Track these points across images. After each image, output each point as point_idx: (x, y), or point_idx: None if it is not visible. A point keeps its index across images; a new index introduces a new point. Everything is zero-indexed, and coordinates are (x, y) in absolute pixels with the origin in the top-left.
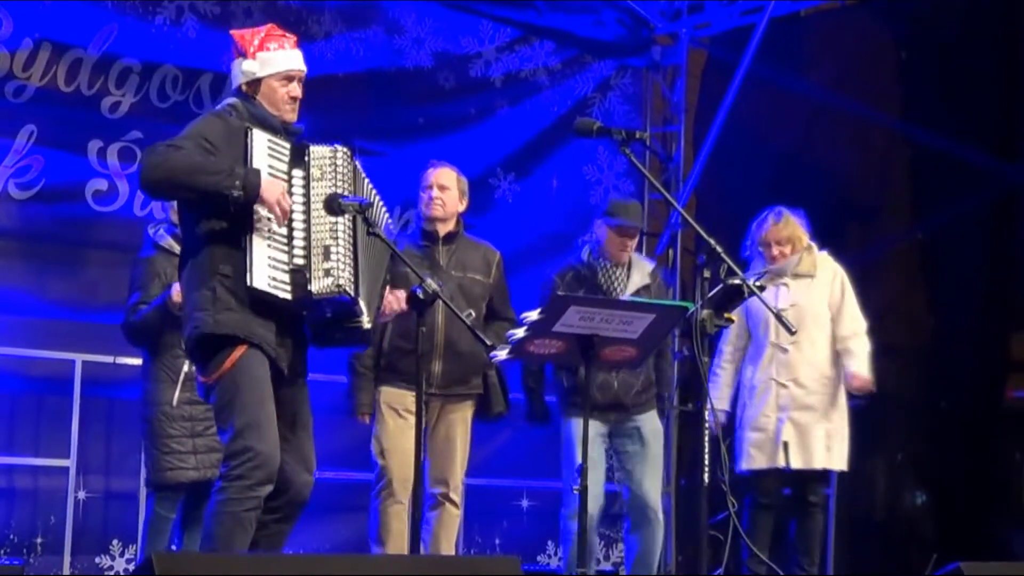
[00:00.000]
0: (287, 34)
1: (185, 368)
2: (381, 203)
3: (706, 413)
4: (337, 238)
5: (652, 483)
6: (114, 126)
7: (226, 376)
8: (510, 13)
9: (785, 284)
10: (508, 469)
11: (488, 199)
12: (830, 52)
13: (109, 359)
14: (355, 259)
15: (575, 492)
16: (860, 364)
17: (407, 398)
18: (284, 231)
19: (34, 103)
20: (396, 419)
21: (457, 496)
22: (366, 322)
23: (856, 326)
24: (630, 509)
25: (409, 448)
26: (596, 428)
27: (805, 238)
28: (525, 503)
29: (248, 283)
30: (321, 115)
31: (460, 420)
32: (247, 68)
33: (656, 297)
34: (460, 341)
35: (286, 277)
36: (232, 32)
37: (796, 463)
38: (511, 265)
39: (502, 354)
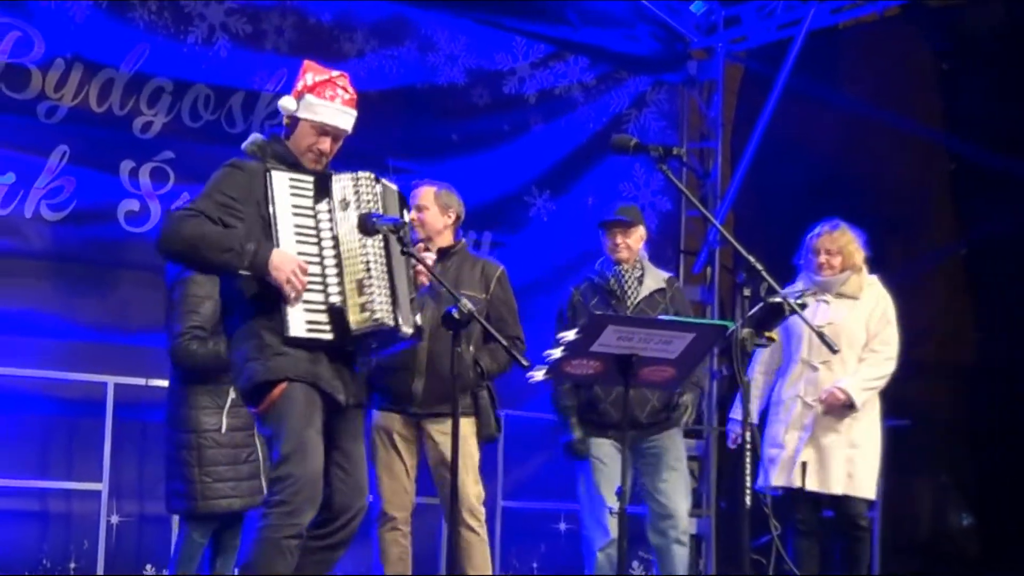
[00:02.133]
0: (349, 89)
1: (232, 394)
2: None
3: (746, 433)
4: (369, 269)
5: (678, 501)
6: (146, 146)
7: (273, 405)
8: (544, 29)
9: (826, 301)
10: (545, 491)
11: (523, 217)
12: (869, 65)
13: (141, 381)
14: (391, 283)
15: (612, 516)
16: (855, 383)
17: (395, 421)
18: (317, 270)
19: (66, 123)
20: (386, 446)
21: (473, 518)
22: (407, 332)
23: (884, 350)
24: (653, 531)
25: (401, 473)
26: (612, 447)
27: (858, 257)
28: (563, 526)
29: (286, 333)
30: (353, 133)
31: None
32: (286, 104)
33: (672, 304)
34: (444, 358)
35: (323, 317)
36: (305, 61)
37: (812, 485)
38: (545, 284)
39: (539, 374)
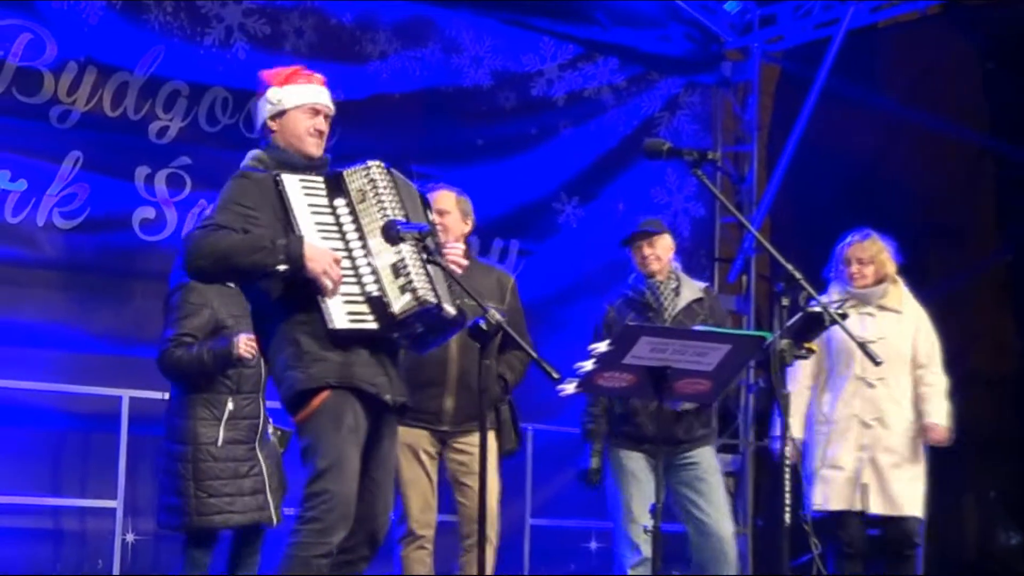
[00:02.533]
0: (316, 74)
1: (230, 405)
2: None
3: (787, 448)
4: (401, 252)
5: (721, 516)
6: (162, 151)
7: (312, 416)
8: (572, 29)
9: (870, 314)
10: (574, 509)
11: (551, 224)
12: (910, 65)
13: (157, 395)
14: (425, 267)
15: (647, 534)
16: (940, 414)
17: (422, 438)
18: (348, 263)
19: (80, 128)
20: (412, 462)
21: (493, 533)
22: (451, 311)
23: (939, 373)
24: (696, 549)
25: (427, 490)
26: (646, 462)
27: (890, 266)
28: (593, 545)
29: (330, 326)
30: (375, 136)
31: (475, 454)
32: (272, 96)
33: (711, 315)
34: (474, 374)
35: (364, 307)
36: (261, 72)
37: (876, 508)
38: (574, 293)
39: (570, 387)
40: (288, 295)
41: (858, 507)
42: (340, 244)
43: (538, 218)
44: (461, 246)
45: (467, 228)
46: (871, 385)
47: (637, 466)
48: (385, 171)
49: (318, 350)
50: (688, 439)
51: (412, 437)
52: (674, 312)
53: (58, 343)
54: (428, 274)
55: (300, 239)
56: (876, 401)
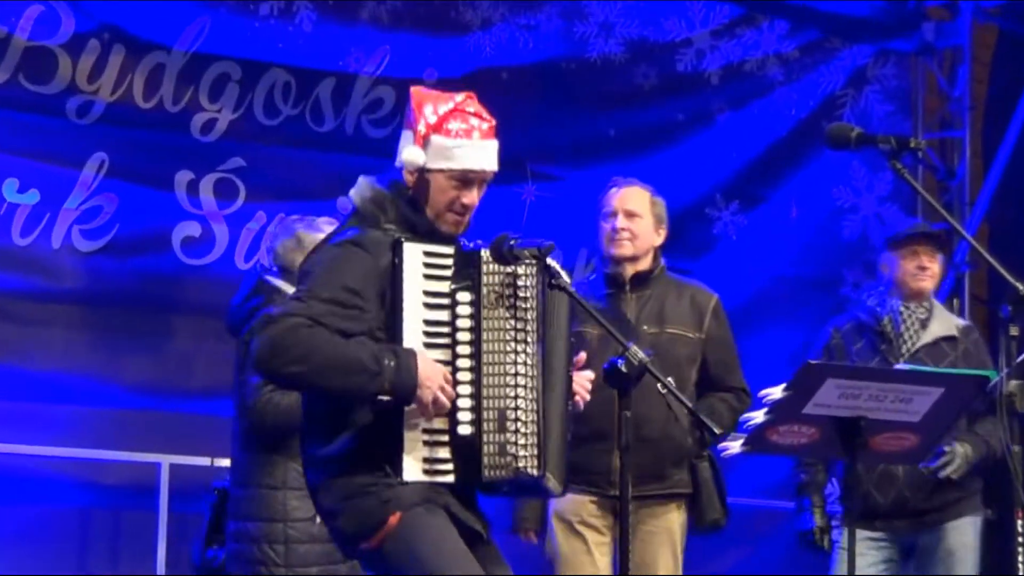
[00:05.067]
0: (484, 114)
1: None
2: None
3: (1018, 520)
4: (517, 395)
5: None
6: (208, 152)
7: (392, 532)
8: None
9: None
10: None
11: (704, 236)
12: None
13: (205, 461)
14: (542, 411)
15: None
16: None
17: (585, 506)
18: None
19: (104, 124)
20: (570, 536)
21: None
22: (556, 489)
23: None
24: None
25: (587, 568)
26: (876, 545)
27: None
28: None
29: (399, 478)
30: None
31: (663, 531)
32: (412, 158)
33: (965, 360)
34: (651, 423)
35: (446, 453)
36: (412, 89)
37: None
38: (736, 321)
39: (735, 446)
40: (365, 411)
41: None
42: (446, 355)
43: (688, 228)
44: (590, 375)
45: (659, 239)
46: None
47: (862, 549)
48: (535, 272)
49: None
50: (933, 508)
51: (571, 504)
52: (914, 347)
53: (81, 397)
54: (545, 421)
55: (412, 359)
56: None
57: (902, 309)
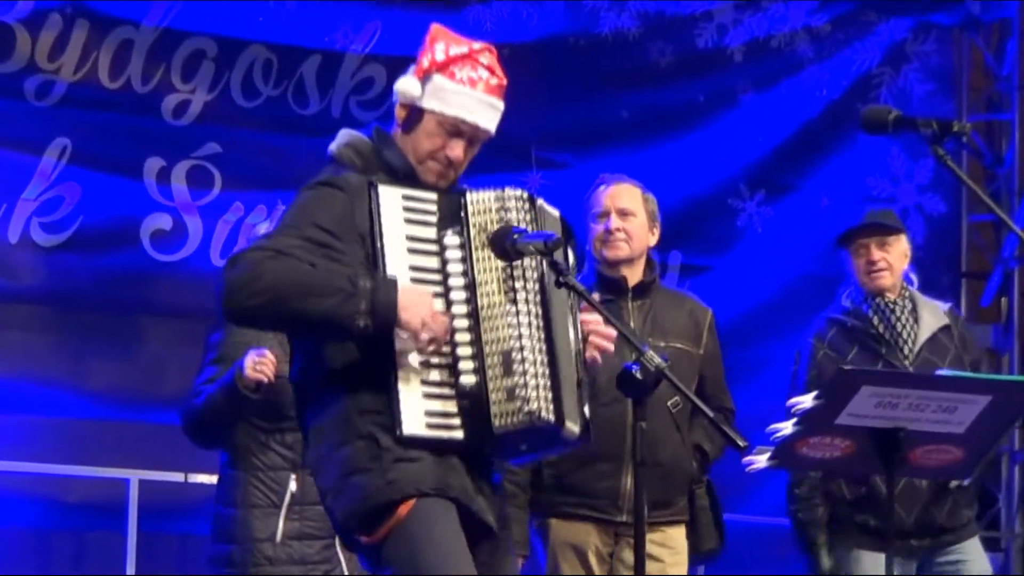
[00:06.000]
0: (497, 70)
1: (292, 487)
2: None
3: None
4: (521, 335)
5: None
6: (181, 137)
7: (398, 529)
8: None
9: None
10: None
11: (727, 229)
12: None
13: (178, 477)
14: (551, 354)
15: None
16: None
17: (591, 534)
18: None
19: (66, 106)
20: (576, 567)
21: None
22: (573, 431)
23: None
24: None
25: None
26: (896, 568)
27: None
28: None
29: (398, 432)
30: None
31: (667, 555)
32: (407, 88)
33: (965, 349)
34: (661, 444)
35: (452, 407)
36: (433, 27)
37: None
38: (762, 325)
39: (761, 459)
40: (354, 365)
41: None
42: (439, 303)
43: (708, 221)
44: (612, 333)
45: (653, 240)
46: None
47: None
48: (528, 203)
49: (397, 448)
50: (952, 527)
51: (577, 533)
52: (916, 347)
53: (41, 406)
54: (554, 364)
55: (392, 283)
56: None
57: (886, 304)
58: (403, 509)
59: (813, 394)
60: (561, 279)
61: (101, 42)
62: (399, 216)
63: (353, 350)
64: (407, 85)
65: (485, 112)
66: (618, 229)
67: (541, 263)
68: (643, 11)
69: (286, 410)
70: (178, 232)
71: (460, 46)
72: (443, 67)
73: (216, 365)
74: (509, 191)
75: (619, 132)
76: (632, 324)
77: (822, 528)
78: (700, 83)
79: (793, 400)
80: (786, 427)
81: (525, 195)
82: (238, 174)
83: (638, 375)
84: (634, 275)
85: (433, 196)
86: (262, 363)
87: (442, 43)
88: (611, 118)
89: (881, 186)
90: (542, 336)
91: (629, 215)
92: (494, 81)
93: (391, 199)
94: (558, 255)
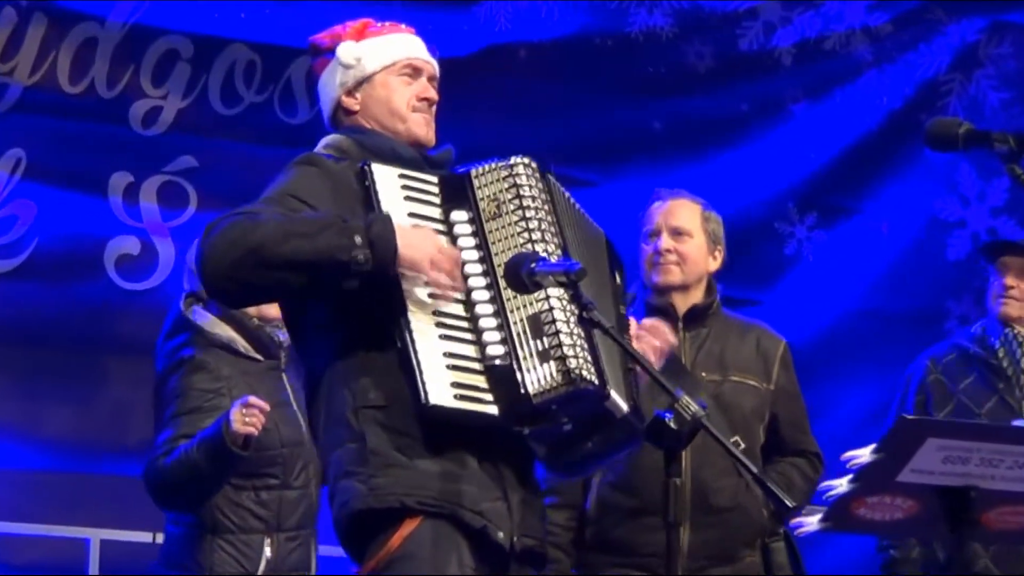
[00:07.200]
0: (397, 23)
1: (267, 553)
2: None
3: None
4: (548, 296)
5: None
6: (151, 148)
7: (388, 562)
8: None
9: None
10: None
11: (774, 257)
12: None
13: (144, 536)
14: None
15: None
16: None
17: None
18: (461, 310)
19: (20, 113)
20: None
21: None
22: (621, 405)
23: None
24: None
25: None
26: None
27: None
28: None
29: (423, 401)
30: (486, 120)
31: None
32: (346, 55)
33: None
34: (720, 491)
35: (481, 380)
36: (310, 38)
37: None
38: (813, 365)
39: (812, 521)
40: (357, 352)
41: None
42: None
43: (753, 248)
44: (667, 332)
45: (716, 263)
46: None
47: None
48: (536, 174)
49: (389, 449)
50: None
51: None
52: None
53: None
54: (589, 337)
55: (387, 216)
56: None
57: (1014, 336)
58: (395, 540)
59: (871, 447)
60: (585, 315)
61: (61, 40)
62: (398, 194)
63: (355, 321)
64: (348, 55)
65: (419, 45)
66: (669, 251)
67: (559, 224)
68: (678, 8)
69: (261, 464)
70: (147, 257)
71: (354, 24)
72: (360, 35)
73: (180, 418)
74: (516, 159)
75: (650, 146)
76: (683, 357)
77: (914, 568)
78: (743, 90)
79: (849, 454)
80: (841, 484)
81: (533, 164)
82: (216, 191)
83: (672, 424)
84: (686, 302)
85: (434, 179)
86: (251, 413)
87: (335, 29)
88: (641, 129)
89: (949, 208)
90: (572, 304)
91: (684, 235)
92: (402, 25)
93: (387, 176)
94: (584, 285)
